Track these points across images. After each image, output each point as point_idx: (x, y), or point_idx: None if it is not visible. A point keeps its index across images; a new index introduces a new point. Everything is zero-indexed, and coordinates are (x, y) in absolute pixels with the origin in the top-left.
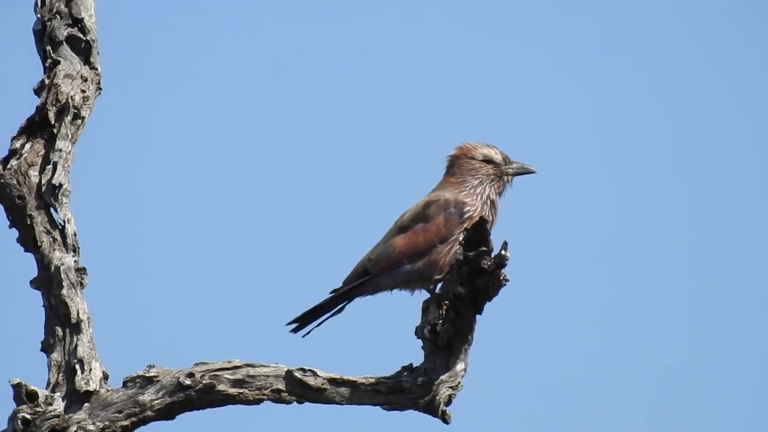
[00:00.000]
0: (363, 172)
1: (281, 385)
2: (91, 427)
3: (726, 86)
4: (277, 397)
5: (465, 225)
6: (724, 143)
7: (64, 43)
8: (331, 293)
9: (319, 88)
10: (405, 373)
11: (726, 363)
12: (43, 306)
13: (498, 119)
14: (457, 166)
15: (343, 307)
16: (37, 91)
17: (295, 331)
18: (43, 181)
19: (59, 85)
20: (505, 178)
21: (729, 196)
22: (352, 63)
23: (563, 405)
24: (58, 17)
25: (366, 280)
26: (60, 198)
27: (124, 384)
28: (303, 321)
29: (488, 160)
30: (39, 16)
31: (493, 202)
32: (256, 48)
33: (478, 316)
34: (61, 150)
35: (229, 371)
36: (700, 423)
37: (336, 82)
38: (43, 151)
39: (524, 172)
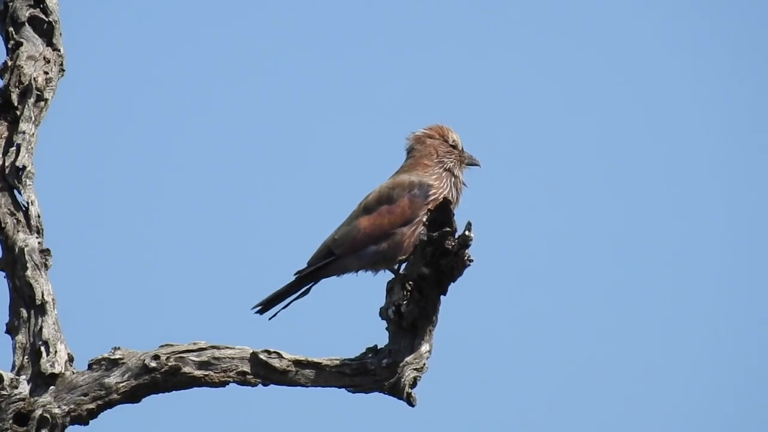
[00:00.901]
0: (324, 153)
1: (246, 368)
2: (56, 410)
3: (722, 86)
4: (242, 380)
5: (429, 206)
6: (717, 142)
7: (27, 24)
8: (295, 275)
9: (269, 63)
10: (370, 355)
11: (707, 361)
12: (8, 288)
13: (464, 110)
14: (426, 147)
15: (308, 289)
16: (0, 73)
17: (260, 312)
18: (6, 163)
19: (22, 67)
20: (462, 165)
21: (720, 194)
22: (313, 46)
23: (528, 386)
24: None
25: (331, 261)
26: (24, 180)
27: (90, 366)
28: (269, 304)
29: (455, 146)
30: None
31: (460, 185)
32: (224, 30)
33: (442, 297)
34: (24, 132)
35: (195, 353)
36: (669, 417)
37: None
38: (6, 133)
39: (473, 163)
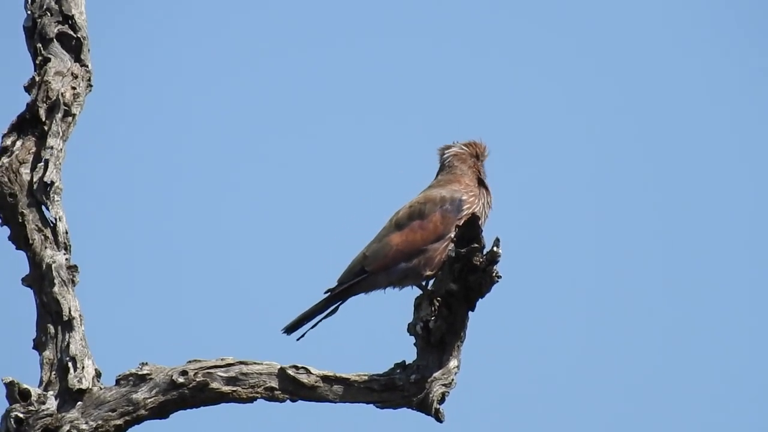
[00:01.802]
0: (352, 171)
1: (274, 383)
2: (84, 426)
3: (721, 85)
4: (270, 395)
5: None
6: (716, 141)
7: (55, 40)
8: (326, 293)
9: (308, 83)
10: (398, 371)
11: (714, 362)
12: (36, 304)
13: (486, 119)
14: (463, 163)
15: (337, 308)
16: (28, 89)
17: (289, 332)
18: (34, 179)
19: (50, 83)
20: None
21: (721, 194)
22: (345, 57)
23: (557, 402)
24: (49, 14)
25: (362, 278)
26: (51, 195)
27: (117, 382)
28: (298, 324)
29: (483, 162)
30: (29, 13)
31: (490, 203)
32: (248, 44)
33: (470, 313)
34: (52, 147)
35: (223, 369)
36: (699, 423)
37: (326, 75)
38: (34, 149)
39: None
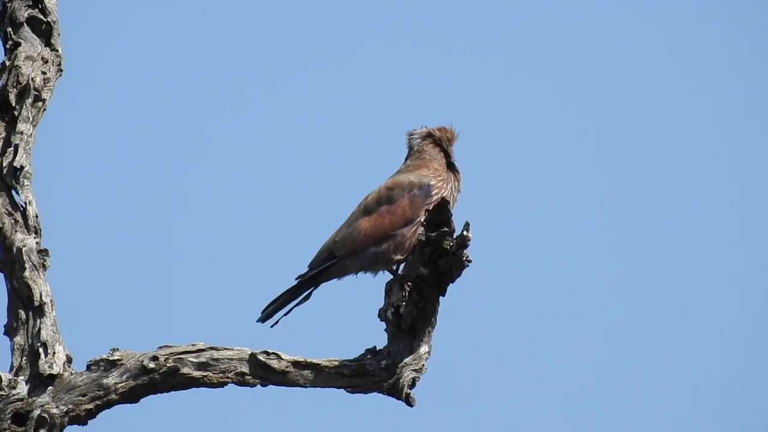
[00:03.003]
0: (319, 156)
1: (245, 368)
2: (54, 411)
3: (720, 84)
4: (241, 380)
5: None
6: (714, 140)
7: (25, 24)
8: (297, 279)
9: (273, 64)
10: (368, 356)
11: (708, 360)
12: (6, 288)
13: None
14: (431, 147)
15: (310, 294)
16: None
17: (263, 321)
18: (4, 164)
19: (20, 67)
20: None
21: (717, 192)
22: (306, 48)
23: (527, 388)
24: None
25: (332, 263)
26: (21, 180)
27: (88, 367)
28: (271, 312)
29: (451, 146)
30: None
31: (459, 187)
32: (220, 29)
33: (441, 298)
34: (22, 132)
35: (193, 354)
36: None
37: (297, 72)
38: (4, 134)
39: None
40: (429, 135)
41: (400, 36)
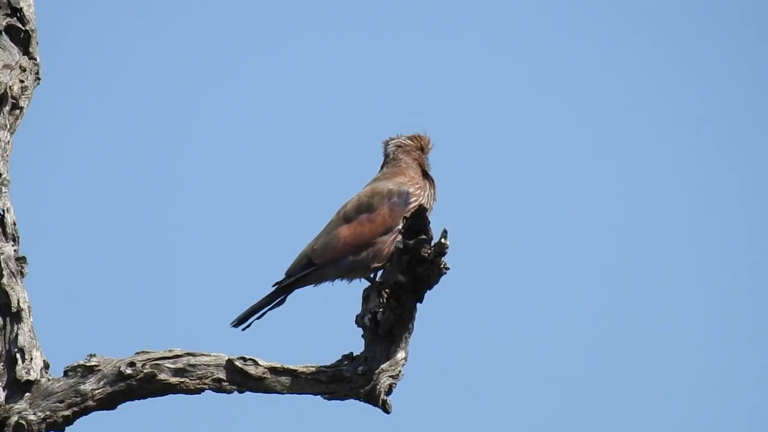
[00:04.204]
0: (297, 164)
1: (222, 374)
2: (32, 417)
3: (718, 84)
4: (217, 386)
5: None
6: (711, 139)
7: (3, 32)
8: (274, 286)
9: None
10: (345, 362)
11: (699, 360)
12: None
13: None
14: (407, 155)
15: (284, 299)
16: None
17: (237, 325)
18: None
19: None
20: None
21: (711, 191)
22: (285, 50)
23: (504, 394)
24: None
25: (311, 271)
26: None
27: (65, 373)
28: (246, 317)
29: (427, 154)
30: None
31: (435, 195)
32: (200, 36)
33: (418, 305)
34: None
35: (170, 360)
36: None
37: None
38: None
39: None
40: (405, 143)
41: (382, 37)
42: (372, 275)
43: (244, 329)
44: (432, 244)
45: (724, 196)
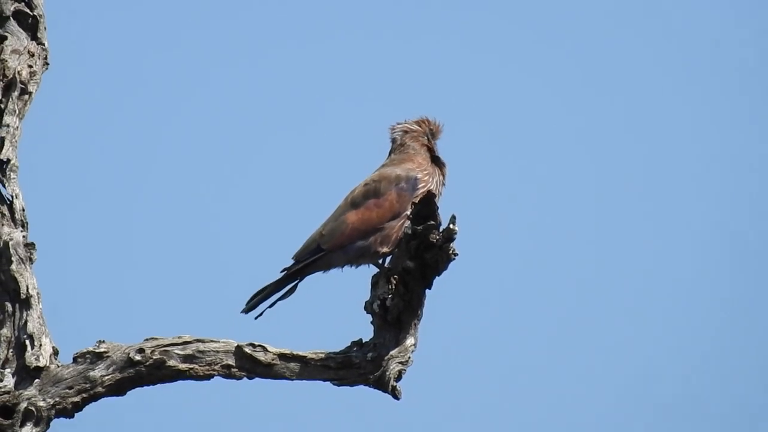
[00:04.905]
0: (304, 149)
1: (231, 361)
2: (41, 403)
3: (714, 84)
4: (227, 373)
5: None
6: (707, 139)
7: (11, 18)
8: (282, 272)
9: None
10: (354, 349)
11: (695, 361)
12: None
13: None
14: (414, 140)
15: (295, 287)
16: None
17: (247, 312)
18: None
19: (6, 61)
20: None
21: (706, 192)
22: (290, 37)
23: (513, 380)
24: None
25: (319, 256)
26: (8, 173)
27: (75, 360)
28: (255, 303)
29: (436, 139)
30: None
31: (443, 180)
32: (210, 22)
33: (427, 291)
34: (8, 125)
35: (179, 347)
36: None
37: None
38: None
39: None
40: (413, 128)
41: (390, 26)
42: (380, 261)
43: (256, 318)
44: (440, 229)
45: (726, 195)
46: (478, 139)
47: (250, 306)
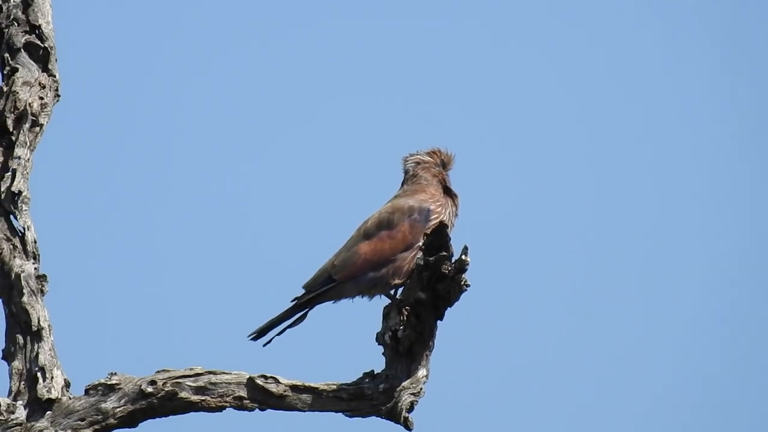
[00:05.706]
0: (317, 179)
1: (243, 392)
2: None
3: (713, 84)
4: (239, 404)
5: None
6: (705, 139)
7: (22, 50)
8: (292, 301)
9: (271, 78)
10: (366, 380)
11: (697, 366)
12: (5, 314)
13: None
14: (427, 172)
15: (305, 315)
16: None
17: (255, 339)
18: (2, 189)
19: (17, 93)
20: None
21: (704, 193)
22: (303, 48)
23: (526, 411)
24: (16, 24)
25: (330, 287)
26: (20, 205)
27: (86, 392)
28: (264, 331)
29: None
30: None
31: (456, 211)
32: (215, 53)
33: (439, 322)
34: (20, 157)
35: (191, 378)
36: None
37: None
38: (1, 159)
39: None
40: (425, 160)
41: (382, 36)
42: (392, 292)
43: (265, 345)
44: (452, 260)
45: (735, 195)
46: (481, 149)
47: (259, 332)
